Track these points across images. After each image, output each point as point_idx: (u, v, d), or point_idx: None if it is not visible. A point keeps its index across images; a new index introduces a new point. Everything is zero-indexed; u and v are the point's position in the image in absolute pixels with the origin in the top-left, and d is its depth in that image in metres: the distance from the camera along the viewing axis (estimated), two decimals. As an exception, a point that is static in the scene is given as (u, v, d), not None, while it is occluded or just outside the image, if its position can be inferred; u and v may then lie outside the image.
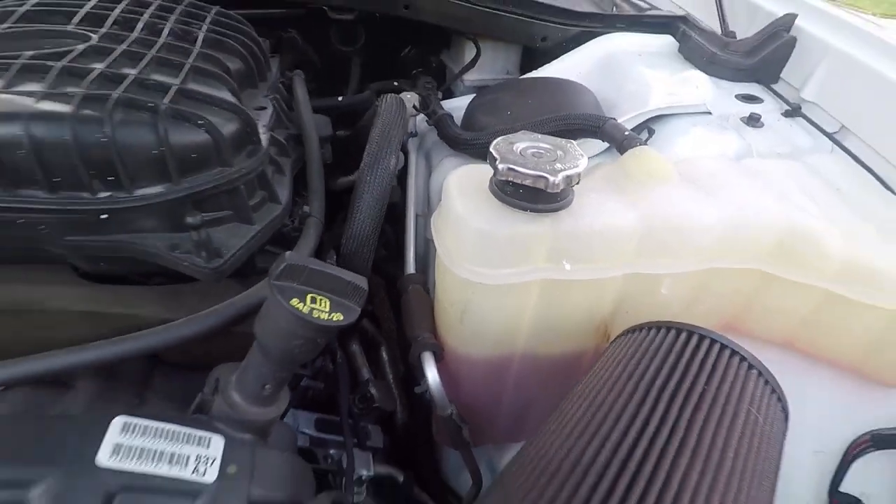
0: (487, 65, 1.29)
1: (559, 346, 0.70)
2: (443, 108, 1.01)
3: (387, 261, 1.10)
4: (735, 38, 1.05)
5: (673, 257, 0.64)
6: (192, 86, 0.59)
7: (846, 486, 0.70)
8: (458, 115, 1.02)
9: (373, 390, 0.88)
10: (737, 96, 0.96)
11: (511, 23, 1.10)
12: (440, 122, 0.96)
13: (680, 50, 1.09)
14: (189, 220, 0.51)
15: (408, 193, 0.93)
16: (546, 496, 0.44)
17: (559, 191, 0.55)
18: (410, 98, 1.00)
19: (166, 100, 0.52)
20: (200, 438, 0.48)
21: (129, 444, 0.44)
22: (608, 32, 1.10)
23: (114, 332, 0.50)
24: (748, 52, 0.99)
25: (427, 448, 0.99)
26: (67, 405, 0.48)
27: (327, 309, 0.45)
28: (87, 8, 0.68)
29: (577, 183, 0.56)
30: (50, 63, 0.53)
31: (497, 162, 0.55)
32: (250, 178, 0.59)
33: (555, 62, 1.10)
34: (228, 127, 0.57)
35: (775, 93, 0.97)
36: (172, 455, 0.46)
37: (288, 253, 0.45)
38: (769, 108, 0.93)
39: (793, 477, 0.71)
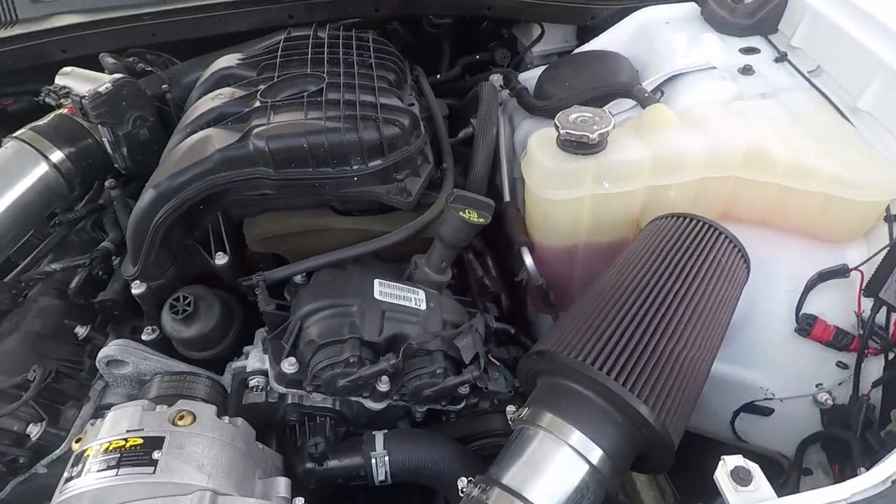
0: (550, 38, 1.65)
1: (608, 236, 1.12)
2: (520, 83, 1.41)
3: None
4: (742, 2, 1.35)
5: (674, 174, 1.03)
6: (382, 99, 1.04)
7: (808, 310, 1.07)
8: (531, 85, 1.41)
9: (487, 281, 1.35)
10: (739, 50, 1.27)
11: (568, 10, 1.46)
12: (519, 94, 1.37)
13: (701, 13, 1.40)
14: (396, 175, 0.98)
15: (499, 147, 1.35)
16: (587, 321, 0.88)
17: (596, 142, 0.96)
18: (497, 79, 1.41)
19: (378, 113, 0.98)
20: (415, 290, 0.97)
21: (384, 290, 0.93)
22: (643, 6, 1.43)
23: (361, 239, 0.99)
24: (751, 12, 1.30)
25: (524, 323, 1.46)
26: (348, 276, 0.98)
27: (476, 217, 0.90)
28: (310, 55, 1.14)
29: (608, 136, 0.97)
30: (318, 99, 1.00)
31: (559, 128, 0.97)
32: (419, 150, 1.05)
33: (601, 36, 1.45)
34: (406, 122, 1.02)
35: (771, 42, 1.28)
36: (403, 296, 0.95)
37: (455, 190, 0.90)
38: (764, 57, 1.25)
39: (773, 307, 1.10)
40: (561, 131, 0.97)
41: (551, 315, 1.22)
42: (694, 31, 1.35)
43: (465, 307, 1.25)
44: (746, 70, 1.21)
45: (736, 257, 0.96)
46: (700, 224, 0.97)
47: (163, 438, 0.73)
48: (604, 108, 1.05)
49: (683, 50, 1.28)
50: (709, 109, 1.09)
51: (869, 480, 0.62)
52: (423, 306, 0.96)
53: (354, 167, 0.97)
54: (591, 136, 0.95)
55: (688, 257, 0.92)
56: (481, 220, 0.91)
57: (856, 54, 1.10)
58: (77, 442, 0.78)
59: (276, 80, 1.07)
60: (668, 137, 1.03)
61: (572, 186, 1.02)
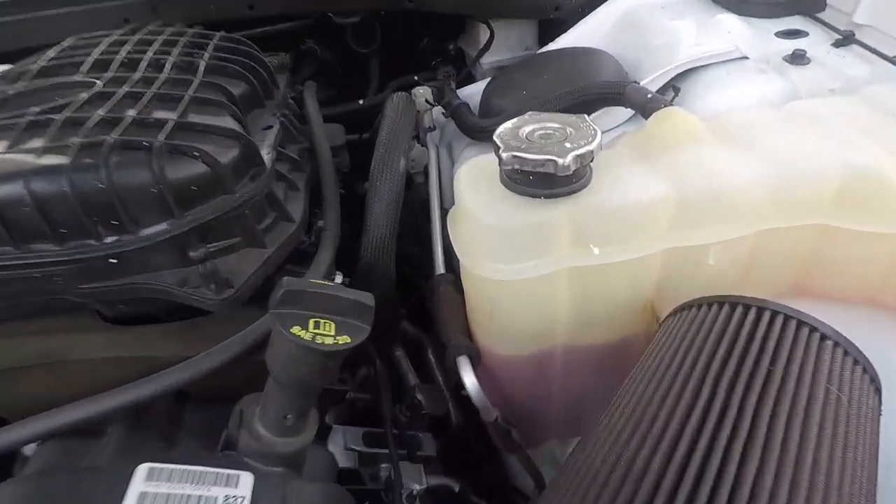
0: (503, 44, 1.24)
1: (604, 334, 0.65)
2: (458, 98, 0.97)
3: (423, 260, 1.08)
4: (769, -31, 0.94)
5: (715, 225, 0.57)
6: (192, 117, 0.59)
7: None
8: (475, 102, 0.98)
9: (420, 396, 0.86)
10: (777, 34, 0.86)
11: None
12: (456, 112, 0.93)
13: (708, -7, 0.99)
14: (192, 254, 0.50)
15: (430, 189, 0.90)
16: None
17: (571, 172, 0.50)
18: (423, 92, 0.98)
19: (161, 136, 0.52)
20: (228, 477, 0.48)
21: (154, 492, 0.44)
22: (625, -11, 1.02)
23: (137, 374, 0.50)
24: (784, -18, 0.89)
25: (486, 448, 0.96)
26: (96, 455, 0.49)
27: (332, 332, 0.43)
28: (94, 55, 0.69)
29: (591, 161, 0.51)
30: (54, 116, 0.54)
31: (500, 151, 0.51)
32: (257, 202, 0.58)
33: (570, 31, 1.03)
34: (227, 154, 0.56)
35: (822, 22, 0.86)
36: (199, 498, 0.46)
37: (285, 279, 0.43)
38: (816, 41, 0.83)
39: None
40: (504, 156, 0.51)
41: (520, 461, 0.73)
42: (702, 15, 0.93)
43: (379, 446, 0.77)
44: (798, 58, 0.78)
45: (863, 383, 0.49)
46: (780, 320, 0.51)
47: None
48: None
49: (694, 37, 0.85)
50: (753, 114, 0.65)
51: None
52: (242, 515, 0.47)
53: (107, 239, 0.50)
54: (561, 161, 0.49)
55: (774, 398, 0.45)
56: (342, 338, 0.44)
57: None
58: None
59: (18, 91, 0.61)
60: (695, 161, 0.58)
61: (535, 255, 0.55)
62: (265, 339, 0.52)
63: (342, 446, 0.79)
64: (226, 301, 0.52)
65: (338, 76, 1.40)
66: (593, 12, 1.03)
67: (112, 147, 0.49)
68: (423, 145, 1.03)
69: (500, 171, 0.56)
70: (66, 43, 0.75)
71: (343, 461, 0.77)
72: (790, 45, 0.81)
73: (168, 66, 0.67)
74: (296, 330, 0.42)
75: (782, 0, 0.89)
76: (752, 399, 0.44)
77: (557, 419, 0.75)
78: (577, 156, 0.49)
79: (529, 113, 0.57)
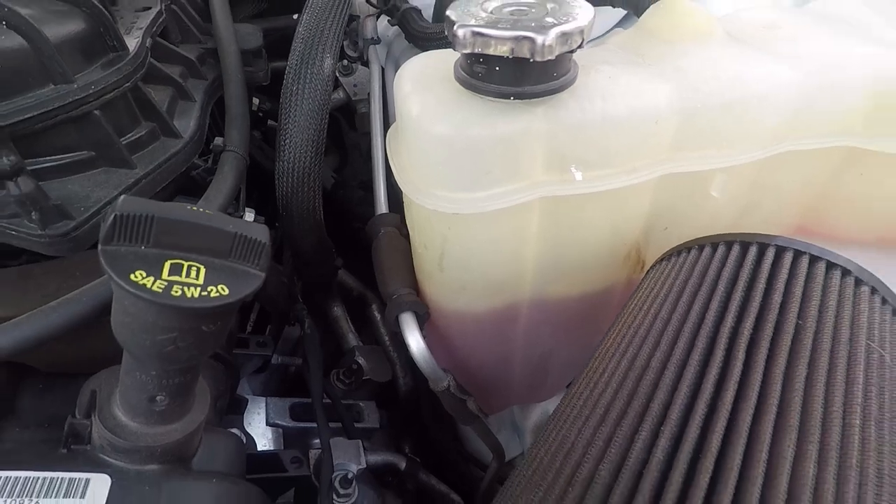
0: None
1: (578, 284, 0.53)
2: (407, 2, 0.80)
3: (366, 202, 0.92)
4: None
5: (727, 145, 0.45)
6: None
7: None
8: (429, 12, 0.81)
9: (361, 360, 0.74)
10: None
11: None
12: (405, 18, 0.76)
13: None
14: (1, 167, 0.34)
15: (372, 113, 0.74)
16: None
17: (553, 58, 0.36)
18: (365, -5, 0.80)
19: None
20: (70, 483, 0.34)
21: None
22: None
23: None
24: None
25: (439, 415, 0.85)
26: None
27: (199, 280, 0.28)
28: None
29: (580, 45, 0.37)
30: None
31: (455, 27, 0.36)
32: (113, 101, 0.41)
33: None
34: (61, 26, 0.39)
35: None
36: (18, 512, 0.32)
37: (122, 198, 0.27)
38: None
39: None
40: (460, 32, 0.36)
41: (476, 432, 0.62)
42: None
43: (309, 420, 0.65)
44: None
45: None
46: (799, 259, 0.39)
47: None
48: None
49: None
50: (777, 14, 0.52)
51: None
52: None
53: None
54: (539, 39, 0.35)
55: (808, 354, 0.34)
56: (217, 289, 0.29)
57: None
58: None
59: None
60: (706, 62, 0.45)
61: (499, 180, 0.41)
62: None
63: (267, 420, 0.66)
64: (60, 238, 0.36)
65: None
66: None
67: None
68: (364, 62, 0.86)
69: (457, 64, 0.41)
70: None
71: (264, 441, 0.64)
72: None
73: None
74: (139, 277, 0.27)
75: None
76: (782, 361, 0.34)
77: (520, 383, 0.64)
78: (563, 33, 0.35)
79: (495, -12, 0.42)
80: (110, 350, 0.36)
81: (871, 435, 0.32)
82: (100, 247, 0.28)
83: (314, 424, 0.66)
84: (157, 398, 0.35)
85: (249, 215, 0.54)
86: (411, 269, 0.56)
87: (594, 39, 0.66)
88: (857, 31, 0.50)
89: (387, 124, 0.75)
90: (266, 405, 0.64)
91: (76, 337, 0.37)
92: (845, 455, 0.30)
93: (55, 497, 0.34)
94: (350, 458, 0.61)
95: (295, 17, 1.06)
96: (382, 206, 0.65)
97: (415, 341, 0.52)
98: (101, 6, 0.41)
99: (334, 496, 0.55)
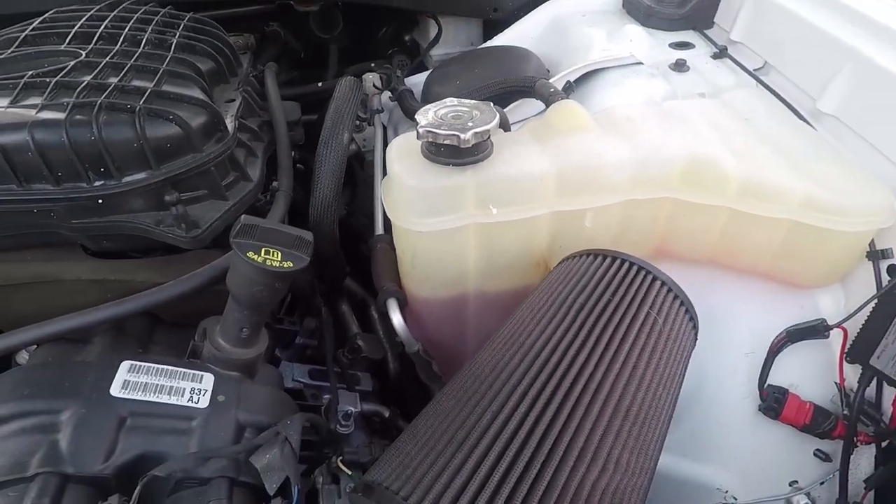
0: (451, 39, 1.37)
1: (506, 282, 0.81)
2: (404, 84, 1.10)
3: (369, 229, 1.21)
4: (670, -11, 1.11)
5: (589, 194, 0.73)
6: (166, 87, 0.70)
7: (775, 380, 0.79)
8: (420, 90, 1.11)
9: (360, 342, 1.00)
10: (670, 44, 1.03)
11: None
12: (400, 97, 1.06)
13: (623, 6, 1.15)
14: (167, 198, 0.62)
15: (375, 162, 1.03)
16: (448, 429, 0.53)
17: (471, 145, 0.65)
18: (372, 78, 1.10)
19: (142, 102, 0.63)
20: (194, 375, 0.61)
21: (135, 381, 0.57)
22: (555, -4, 1.17)
23: (116, 296, 0.62)
24: (681, 2, 1.06)
25: (418, 392, 1.11)
26: (85, 355, 0.61)
27: (279, 259, 0.56)
28: (76, 28, 0.79)
29: (489, 138, 0.66)
30: (47, 79, 0.65)
31: (418, 126, 0.65)
32: (220, 161, 0.70)
33: (507, 31, 1.18)
34: (197, 119, 0.68)
35: (707, 37, 1.04)
36: (171, 388, 0.58)
37: (243, 216, 0.56)
38: (700, 53, 1.00)
39: (728, 378, 0.81)
40: (419, 130, 0.65)
41: (437, 388, 0.88)
42: (615, 24, 1.10)
43: (323, 381, 0.90)
44: (679, 66, 0.95)
45: (679, 313, 0.66)
46: (626, 266, 0.67)
47: None
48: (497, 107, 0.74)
49: (602, 43, 1.01)
50: (634, 109, 0.81)
51: None
52: (204, 402, 0.60)
53: (96, 183, 0.62)
54: (463, 136, 0.64)
55: (608, 317, 0.61)
56: (287, 263, 0.57)
57: (813, 43, 0.85)
58: None
59: (9, 56, 0.71)
60: (578, 143, 0.74)
61: (446, 212, 0.70)
62: (224, 274, 0.65)
63: (290, 377, 0.92)
64: (194, 239, 0.65)
65: (300, 60, 1.51)
66: (528, 15, 1.18)
67: (100, 108, 0.60)
68: (371, 124, 1.16)
69: (422, 144, 0.70)
70: (49, 15, 0.84)
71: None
72: (677, 56, 0.98)
73: (143, 42, 0.78)
74: (251, 254, 0.55)
75: (678, 17, 1.06)
76: (594, 318, 0.61)
77: (471, 355, 0.90)
78: (476, 132, 0.64)
79: (450, 98, 0.71)
80: (211, 308, 0.64)
81: (633, 361, 0.58)
82: (231, 238, 0.56)
83: (326, 383, 0.92)
84: (244, 329, 0.62)
85: (293, 231, 0.82)
86: (396, 270, 0.84)
87: (522, 121, 0.96)
88: (686, 124, 0.79)
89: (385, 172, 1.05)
90: (292, 367, 0.91)
91: (194, 297, 0.65)
92: (619, 371, 0.56)
93: (186, 381, 0.61)
94: (350, 403, 0.87)
95: (320, 84, 1.38)
96: (379, 228, 0.93)
97: (396, 318, 0.80)
98: (215, 107, 0.71)
99: (338, 426, 0.81)
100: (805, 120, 0.84)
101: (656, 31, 1.07)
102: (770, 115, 0.84)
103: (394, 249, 0.89)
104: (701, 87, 0.92)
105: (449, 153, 0.67)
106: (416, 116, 0.67)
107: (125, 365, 0.58)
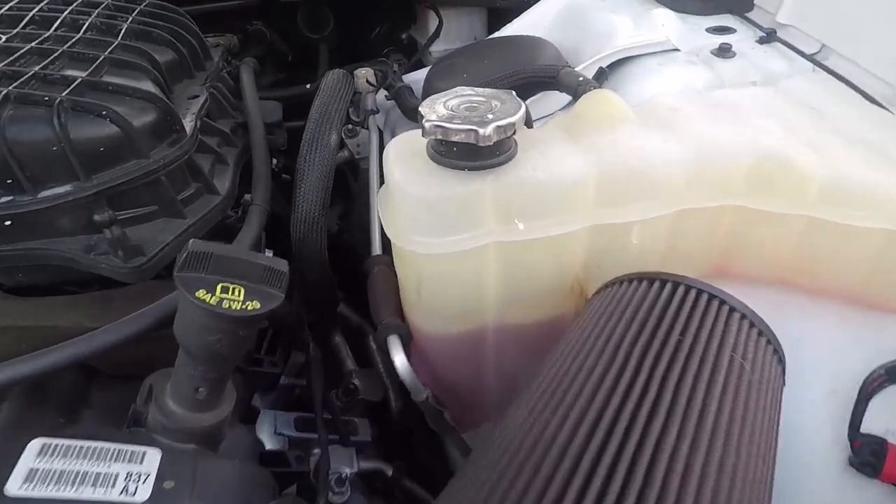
0: (453, 33, 1.24)
1: (533, 312, 0.66)
2: (402, 81, 0.96)
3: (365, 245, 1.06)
4: (702, -32, 0.98)
5: (637, 202, 0.59)
6: (107, 78, 0.56)
7: (867, 426, 0.64)
8: (420, 87, 0.97)
9: (356, 381, 0.85)
10: (707, 29, 0.89)
11: (469, -13, 1.05)
12: (398, 95, 0.92)
13: (646, -10, 1.02)
14: (97, 217, 0.48)
15: (370, 171, 0.89)
16: (504, 482, 0.40)
17: (493, 143, 0.50)
18: (365, 73, 0.96)
19: (65, 93, 0.49)
20: (132, 454, 0.46)
21: (46, 468, 0.42)
22: (569, -18, 1.04)
23: (37, 346, 0.47)
24: (716, -20, 0.93)
25: (425, 434, 0.96)
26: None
27: (240, 297, 0.41)
28: (2, 10, 0.65)
29: (513, 133, 0.52)
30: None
31: (424, 121, 0.51)
32: (175, 169, 0.56)
33: (516, 21, 1.04)
34: (142, 117, 0.54)
35: (749, 21, 0.90)
36: (98, 476, 0.43)
37: (191, 241, 0.41)
38: (743, 38, 0.86)
39: (807, 423, 0.66)
40: (426, 125, 0.51)
41: (451, 442, 0.73)
42: (639, 9, 0.96)
43: (311, 431, 0.75)
44: (724, 51, 0.81)
45: (766, 355, 0.52)
46: (693, 294, 0.52)
47: None
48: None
49: (629, 29, 0.88)
50: (680, 99, 0.67)
51: None
52: (144, 492, 0.44)
53: (2, 199, 0.47)
54: (482, 131, 0.49)
55: (681, 364, 0.46)
56: (251, 304, 0.42)
57: (884, 17, 0.72)
58: None
59: None
60: (620, 140, 0.59)
61: (460, 228, 0.55)
62: (166, 317, 0.50)
63: (274, 431, 0.77)
64: (137, 269, 0.50)
65: (287, 62, 1.38)
66: (538, 3, 1.04)
67: (6, 99, 0.46)
68: (365, 127, 1.02)
69: (427, 144, 0.55)
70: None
71: (271, 445, 0.75)
72: (718, 41, 0.85)
73: (86, 27, 0.64)
74: (201, 294, 0.40)
75: (714, -1, 0.93)
76: (662, 367, 0.46)
77: (492, 402, 0.75)
78: (499, 126, 0.49)
79: (458, 88, 0.57)
80: (163, 355, 0.49)
81: (723, 420, 0.43)
82: (175, 273, 0.41)
83: (315, 435, 0.77)
84: (200, 389, 0.47)
85: (269, 255, 0.68)
86: (398, 299, 0.69)
87: (545, 117, 0.82)
88: (745, 116, 0.65)
89: (383, 180, 0.90)
90: (274, 417, 0.75)
91: (139, 344, 0.50)
92: (699, 432, 0.42)
93: (121, 462, 0.46)
94: (344, 463, 0.72)
95: (308, 86, 1.24)
96: (377, 248, 0.79)
97: (399, 359, 0.65)
98: (168, 102, 0.57)
99: (330, 493, 0.66)
100: (882, 105, 0.70)
101: (687, 15, 0.93)
102: (841, 102, 0.70)
103: (394, 273, 0.74)
104: (752, 75, 0.78)
105: (463, 154, 0.52)
106: (420, 109, 0.53)
107: (34, 445, 0.43)
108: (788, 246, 0.63)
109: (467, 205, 0.54)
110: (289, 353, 0.87)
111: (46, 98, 0.47)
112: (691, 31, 0.88)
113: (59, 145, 0.47)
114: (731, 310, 0.52)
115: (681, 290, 0.53)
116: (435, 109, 0.52)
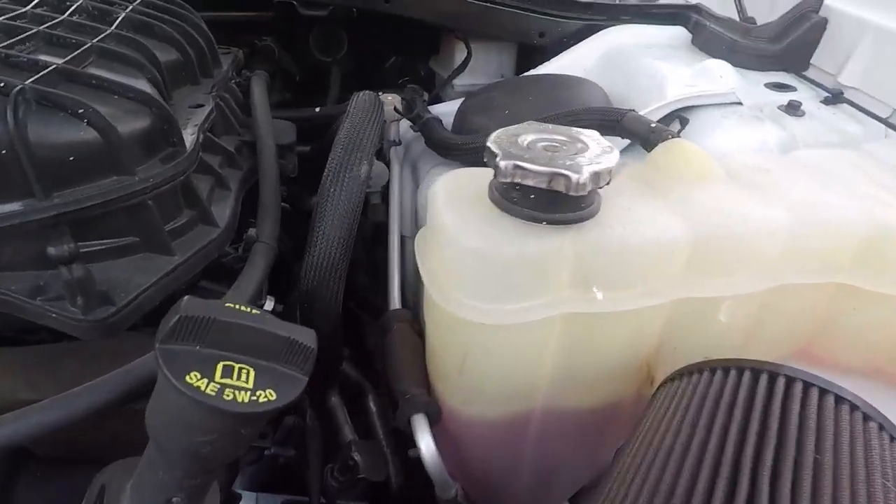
0: (480, 68, 1.16)
1: (590, 396, 0.54)
2: (430, 112, 0.86)
3: (375, 292, 0.94)
4: (755, 23, 0.93)
5: (732, 274, 0.48)
6: (92, 70, 0.44)
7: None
8: (448, 122, 0.88)
9: (356, 456, 0.71)
10: (766, 85, 0.82)
11: (505, 17, 0.97)
12: (427, 127, 0.82)
13: (693, 42, 0.96)
14: (52, 251, 0.35)
15: (391, 211, 0.78)
16: None
17: (585, 193, 0.40)
18: (392, 100, 0.86)
19: (30, 80, 0.37)
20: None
21: None
22: (612, 25, 0.97)
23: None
24: (773, 37, 0.87)
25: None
26: None
27: (249, 384, 0.29)
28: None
29: (608, 183, 0.41)
30: None
31: (498, 158, 0.40)
32: (165, 192, 0.43)
33: (554, 60, 0.96)
34: (131, 122, 0.41)
35: (808, 79, 0.84)
36: None
37: (185, 298, 0.29)
38: (805, 97, 0.79)
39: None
40: (502, 164, 0.40)
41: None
42: (690, 59, 0.89)
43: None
44: (794, 108, 0.74)
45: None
46: (816, 394, 0.41)
47: None
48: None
49: (685, 79, 0.80)
50: (766, 159, 0.59)
51: None
52: None
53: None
54: (574, 177, 0.39)
55: (823, 484, 0.35)
56: (265, 394, 0.29)
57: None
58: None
59: None
60: (715, 199, 0.50)
61: (526, 295, 0.44)
62: (150, 383, 0.37)
63: (254, 520, 0.62)
64: (99, 324, 0.37)
65: (295, 82, 1.28)
66: (579, 44, 0.97)
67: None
68: (384, 161, 0.91)
69: (492, 185, 0.44)
70: None
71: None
72: (783, 97, 0.77)
73: (73, 10, 0.52)
74: (193, 378, 0.28)
75: (769, 54, 0.87)
76: (786, 492, 0.34)
77: (524, 495, 0.62)
78: (595, 173, 0.39)
79: (529, 122, 0.47)
80: (127, 436, 0.35)
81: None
82: (158, 345, 0.28)
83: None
84: (174, 500, 0.34)
85: (269, 304, 0.55)
86: (424, 367, 0.57)
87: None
88: (837, 181, 0.56)
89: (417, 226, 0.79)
90: (258, 500, 0.61)
91: (94, 422, 0.36)
92: None
93: None
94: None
95: (317, 110, 1.14)
96: (396, 301, 0.66)
97: (426, 445, 0.52)
98: (167, 106, 0.45)
99: None
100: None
101: (742, 70, 0.87)
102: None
103: (417, 333, 0.62)
104: (826, 136, 0.71)
105: (542, 203, 0.41)
106: (488, 144, 0.42)
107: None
108: (891, 332, 0.53)
109: (542, 266, 0.42)
110: (280, 419, 0.73)
111: (2, 84, 0.35)
112: (750, 86, 0.81)
113: (9, 147, 0.34)
114: (866, 416, 0.41)
115: (796, 387, 0.42)
116: (508, 146, 0.41)
